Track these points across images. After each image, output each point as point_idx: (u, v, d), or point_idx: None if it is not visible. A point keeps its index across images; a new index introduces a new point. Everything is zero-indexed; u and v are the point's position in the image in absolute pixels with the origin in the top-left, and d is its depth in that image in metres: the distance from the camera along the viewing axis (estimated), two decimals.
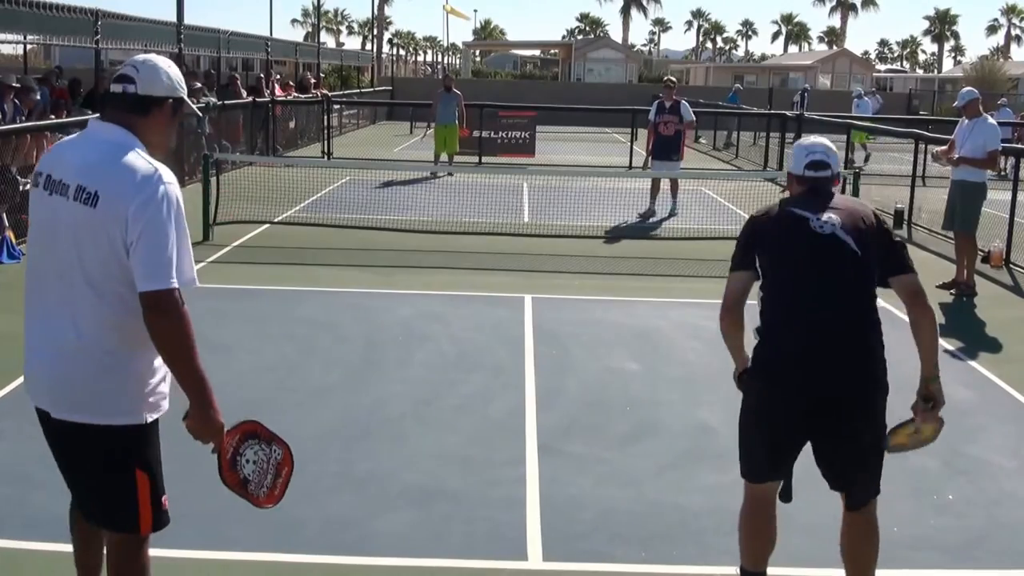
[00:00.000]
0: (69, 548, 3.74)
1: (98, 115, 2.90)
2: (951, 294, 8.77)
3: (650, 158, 13.49)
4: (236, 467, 2.91)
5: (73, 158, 2.74)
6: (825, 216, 3.24)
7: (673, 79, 14.85)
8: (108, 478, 2.79)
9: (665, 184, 13.27)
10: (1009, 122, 24.33)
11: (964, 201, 8.91)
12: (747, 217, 3.51)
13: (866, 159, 20.72)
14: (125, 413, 2.75)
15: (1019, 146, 10.54)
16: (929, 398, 3.43)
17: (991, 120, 9.09)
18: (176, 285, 2.61)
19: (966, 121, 9.15)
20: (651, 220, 12.75)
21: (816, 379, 3.19)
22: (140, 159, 2.69)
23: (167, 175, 2.71)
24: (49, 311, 2.77)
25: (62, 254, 2.70)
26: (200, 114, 3.45)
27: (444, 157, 17.06)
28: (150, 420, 2.81)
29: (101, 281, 2.67)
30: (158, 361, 2.76)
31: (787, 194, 3.56)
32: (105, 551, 2.97)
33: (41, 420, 2.87)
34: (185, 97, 2.92)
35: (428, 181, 15.41)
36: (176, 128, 2.97)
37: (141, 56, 2.89)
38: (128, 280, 2.64)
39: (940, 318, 7.78)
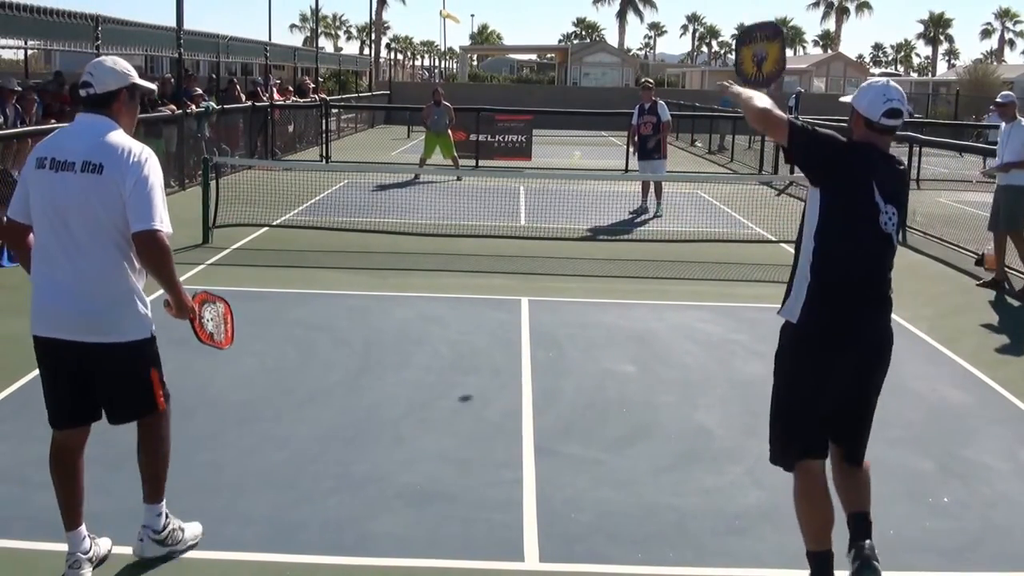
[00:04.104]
0: None
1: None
2: (1006, 290, 9.17)
3: (636, 158, 13.92)
4: (203, 326, 3.75)
5: (72, 143, 3.45)
6: (892, 211, 3.39)
7: (650, 80, 15.06)
8: (133, 381, 3.58)
9: (651, 185, 13.53)
10: (998, 125, 24.43)
11: (1008, 203, 9.12)
12: (841, 139, 3.45)
13: None
14: (141, 330, 3.55)
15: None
16: None
17: None
18: (160, 228, 3.39)
19: (1003, 126, 9.35)
20: (642, 218, 12.98)
21: (871, 339, 3.49)
22: (124, 137, 3.48)
23: (147, 148, 3.52)
24: (70, 263, 3.45)
25: (76, 217, 3.40)
26: (154, 88, 3.76)
27: (430, 161, 17.02)
28: (153, 331, 3.61)
29: (112, 232, 3.42)
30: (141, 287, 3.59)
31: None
32: (137, 446, 3.74)
33: (56, 350, 3.53)
34: (137, 81, 3.59)
35: (425, 185, 15.45)
36: (138, 106, 3.69)
37: (94, 61, 3.60)
38: (127, 229, 3.41)
39: (942, 319, 7.83)
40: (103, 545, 3.72)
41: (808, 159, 3.41)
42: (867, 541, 3.41)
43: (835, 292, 3.40)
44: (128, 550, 3.80)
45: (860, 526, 3.46)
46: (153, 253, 3.39)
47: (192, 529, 3.88)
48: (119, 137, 3.45)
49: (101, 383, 3.56)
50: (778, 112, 3.49)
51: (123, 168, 3.37)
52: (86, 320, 3.46)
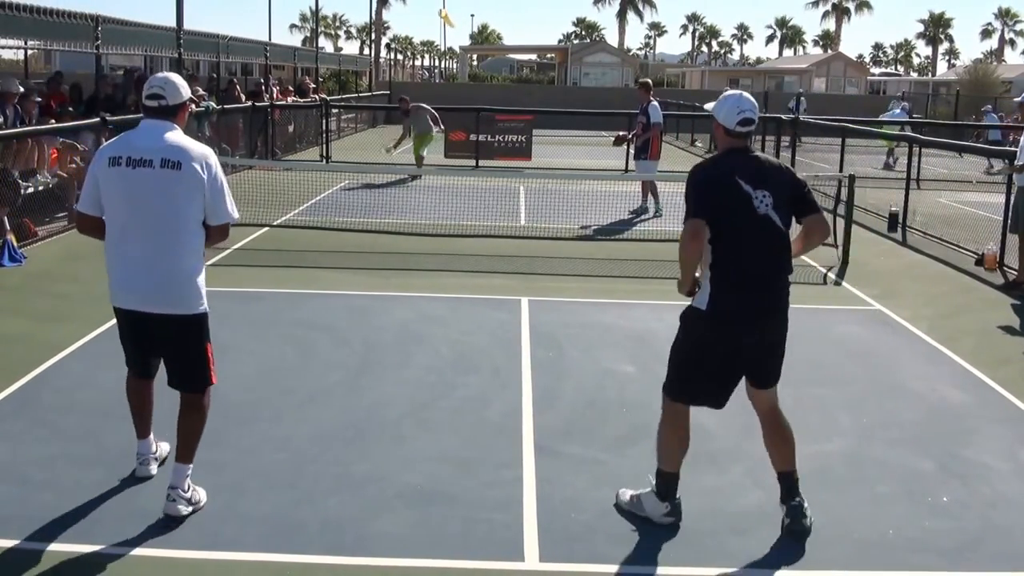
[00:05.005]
0: (73, 549, 3.84)
1: (143, 116, 4.18)
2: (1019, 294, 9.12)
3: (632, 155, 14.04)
4: None
5: (145, 143, 4.02)
6: (762, 194, 3.99)
7: (647, 80, 14.92)
8: (193, 351, 4.17)
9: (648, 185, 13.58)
10: (996, 125, 24.63)
11: None
12: (697, 173, 4.15)
13: (893, 163, 21.06)
14: (198, 306, 4.13)
15: (1011, 149, 10.56)
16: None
17: None
18: (230, 220, 4.19)
19: None
20: (642, 218, 13.04)
21: (762, 317, 4.10)
22: (191, 140, 4.12)
23: (210, 150, 4.18)
24: (144, 245, 4.01)
25: (152, 207, 3.98)
26: (197, 100, 4.23)
27: (428, 161, 16.99)
28: (207, 309, 4.19)
29: (184, 219, 4.03)
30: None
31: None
32: (180, 411, 4.25)
33: (130, 319, 4.15)
34: (191, 95, 4.31)
35: (425, 185, 15.44)
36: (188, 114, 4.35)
37: (160, 76, 4.19)
38: (199, 217, 4.08)
39: (942, 319, 7.83)
40: (164, 448, 4.57)
41: (710, 210, 4.01)
42: (798, 498, 4.17)
43: (732, 278, 4.02)
44: (131, 551, 3.82)
45: (788, 483, 4.21)
46: (220, 237, 4.27)
47: (202, 491, 4.30)
48: (187, 140, 4.11)
49: (166, 350, 4.22)
50: (690, 251, 4.03)
51: (199, 169, 4.01)
52: (159, 294, 4.06)
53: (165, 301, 4.07)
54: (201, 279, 4.16)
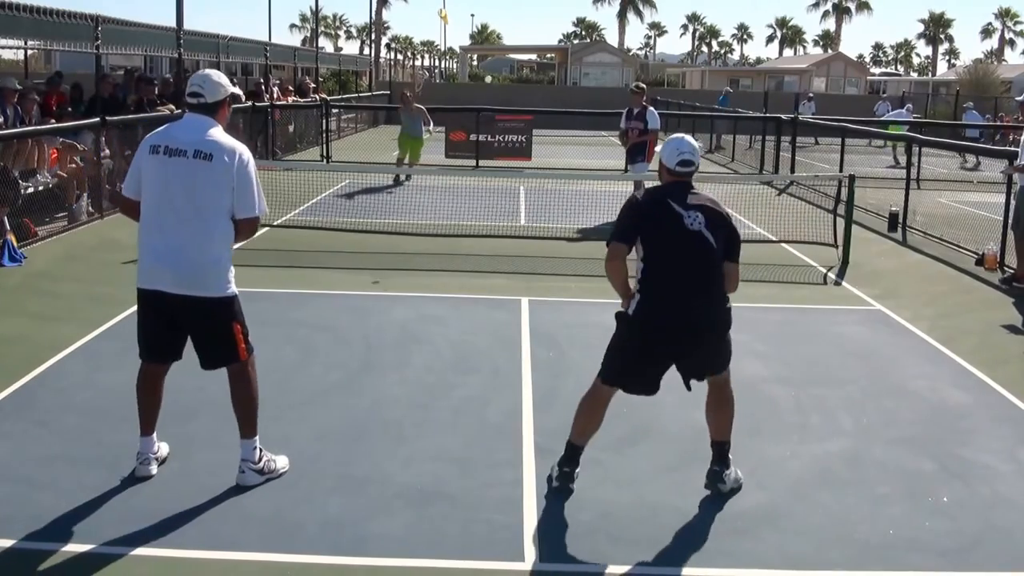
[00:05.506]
0: (73, 549, 3.83)
1: (183, 110, 4.54)
2: (1014, 286, 9.31)
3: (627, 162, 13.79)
4: None
5: (184, 135, 4.27)
6: (694, 214, 4.34)
7: (642, 84, 14.72)
8: (219, 331, 4.35)
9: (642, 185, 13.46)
10: (976, 124, 24.75)
11: None
12: (631, 200, 4.54)
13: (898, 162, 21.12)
14: (225, 289, 4.32)
15: (1011, 148, 10.56)
16: None
17: None
18: (258, 214, 4.35)
19: None
20: None
21: (690, 324, 4.36)
22: (226, 136, 4.35)
23: (244, 146, 4.38)
24: (174, 230, 4.23)
25: (183, 194, 4.21)
26: (241, 94, 4.40)
27: (420, 163, 16.94)
28: (236, 292, 4.38)
29: (212, 208, 4.24)
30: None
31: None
32: (230, 388, 4.49)
33: (154, 300, 4.30)
34: (234, 91, 4.48)
35: (425, 185, 15.43)
36: (231, 110, 4.54)
37: (201, 74, 4.40)
38: (227, 208, 4.26)
39: (942, 319, 7.83)
40: (164, 448, 4.64)
41: (634, 237, 4.39)
42: (718, 466, 4.57)
43: (657, 294, 4.33)
44: (131, 551, 3.82)
45: (719, 450, 4.62)
46: (249, 231, 4.42)
47: (282, 460, 4.59)
48: (223, 135, 4.34)
49: (192, 331, 4.40)
50: (610, 271, 4.44)
51: (229, 162, 4.23)
52: (184, 276, 4.24)
53: (192, 284, 4.25)
54: (227, 263, 4.35)
